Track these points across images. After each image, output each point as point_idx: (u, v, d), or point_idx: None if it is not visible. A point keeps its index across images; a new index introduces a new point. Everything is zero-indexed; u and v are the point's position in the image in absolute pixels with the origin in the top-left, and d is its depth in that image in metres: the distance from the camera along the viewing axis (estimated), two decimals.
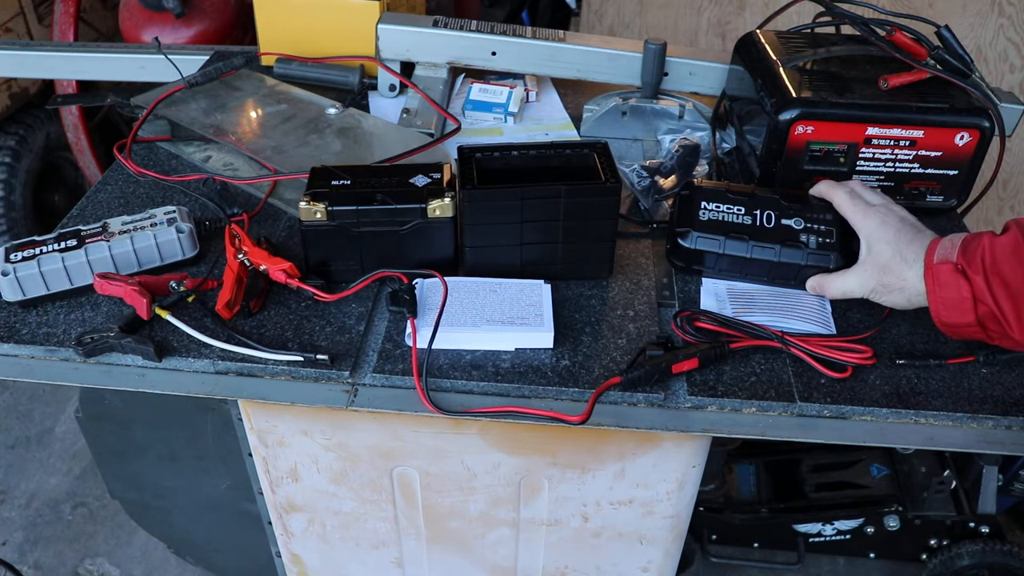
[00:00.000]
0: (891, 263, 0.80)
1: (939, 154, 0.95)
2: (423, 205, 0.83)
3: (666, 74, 1.21)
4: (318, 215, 0.83)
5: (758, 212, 0.89)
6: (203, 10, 2.05)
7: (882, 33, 1.02)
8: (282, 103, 1.15)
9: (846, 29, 1.08)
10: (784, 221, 0.88)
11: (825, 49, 1.04)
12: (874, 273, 0.81)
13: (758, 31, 1.12)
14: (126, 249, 0.86)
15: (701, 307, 0.87)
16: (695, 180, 0.93)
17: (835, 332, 0.85)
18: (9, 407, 2.12)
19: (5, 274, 0.82)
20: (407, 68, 1.27)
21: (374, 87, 1.27)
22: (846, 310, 0.88)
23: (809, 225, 0.88)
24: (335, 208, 0.83)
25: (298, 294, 0.86)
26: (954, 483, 1.53)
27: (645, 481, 0.88)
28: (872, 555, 1.69)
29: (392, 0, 1.28)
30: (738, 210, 0.89)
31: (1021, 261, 0.71)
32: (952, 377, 0.80)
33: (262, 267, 0.85)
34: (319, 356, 0.78)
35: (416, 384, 0.77)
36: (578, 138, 1.20)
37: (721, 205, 0.89)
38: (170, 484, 1.08)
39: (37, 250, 0.84)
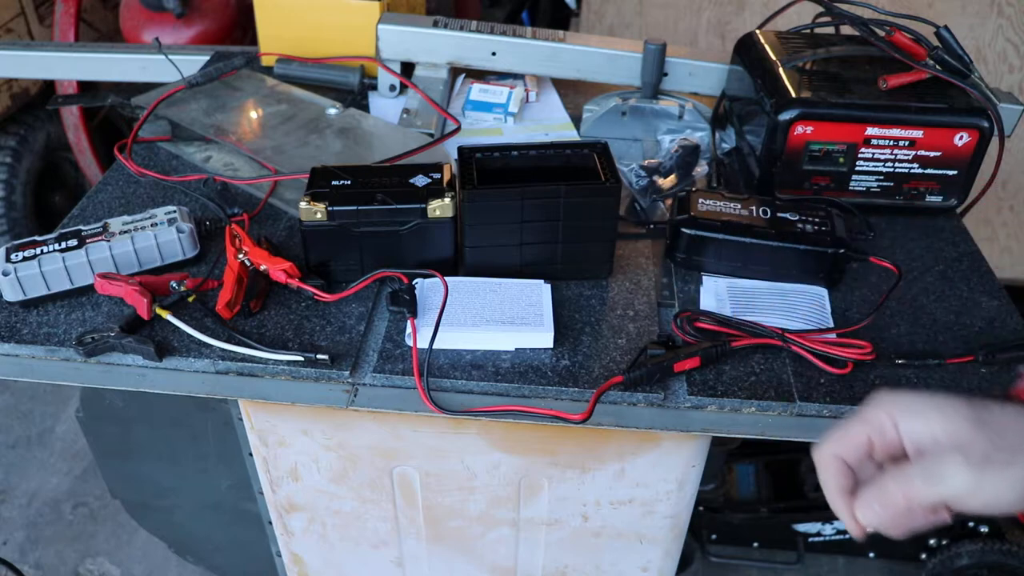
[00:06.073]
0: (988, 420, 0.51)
1: (938, 154, 0.96)
2: (423, 205, 0.84)
3: (666, 74, 1.21)
4: (318, 215, 0.83)
5: (754, 207, 0.91)
6: (203, 10, 2.06)
7: (881, 33, 1.02)
8: (282, 103, 1.15)
9: (846, 29, 1.08)
10: (780, 214, 0.90)
11: (825, 49, 1.04)
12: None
13: (758, 31, 1.12)
14: (127, 249, 0.86)
15: (701, 307, 0.87)
16: (692, 189, 0.95)
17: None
18: (9, 407, 2.12)
19: (6, 274, 0.82)
20: (407, 68, 1.27)
21: (374, 87, 1.27)
22: (845, 310, 0.88)
23: (804, 216, 0.90)
24: (335, 208, 0.83)
25: (298, 294, 0.86)
26: None
27: (645, 481, 0.89)
28: (871, 555, 1.69)
29: (392, 0, 1.28)
30: (735, 206, 0.91)
31: None
32: (951, 377, 0.81)
33: (262, 267, 0.85)
34: (319, 356, 0.78)
35: (417, 384, 0.77)
36: (578, 138, 1.20)
37: (719, 201, 0.91)
38: (171, 484, 1.08)
39: (38, 250, 0.84)
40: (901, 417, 0.53)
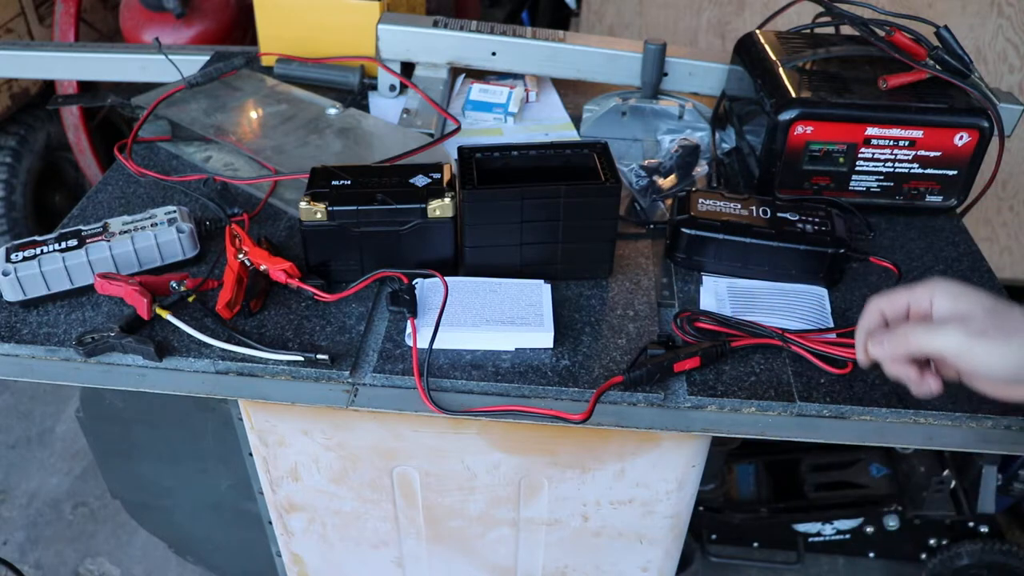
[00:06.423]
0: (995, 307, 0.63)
1: (938, 154, 0.96)
2: (423, 205, 0.84)
3: (666, 74, 1.21)
4: (318, 215, 0.83)
5: (754, 208, 0.91)
6: (203, 10, 2.06)
7: (881, 33, 1.02)
8: (282, 103, 1.15)
9: (846, 29, 1.08)
10: (780, 214, 0.90)
11: (825, 49, 1.04)
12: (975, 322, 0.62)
13: (758, 31, 1.12)
14: (127, 249, 0.86)
15: (701, 307, 0.87)
16: (692, 189, 0.95)
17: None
18: (9, 407, 2.12)
19: (6, 274, 0.82)
20: (407, 68, 1.27)
21: (374, 87, 1.27)
22: (845, 310, 0.88)
23: (804, 216, 0.90)
24: (335, 208, 0.83)
25: (298, 294, 0.86)
26: (953, 483, 1.54)
27: (645, 481, 0.89)
28: (872, 555, 1.69)
29: (392, 0, 1.28)
30: (735, 206, 0.91)
31: None
32: None
33: (262, 267, 0.85)
34: (319, 356, 0.78)
35: (417, 384, 0.77)
36: (578, 138, 1.20)
37: (719, 201, 0.91)
38: (170, 484, 1.08)
39: (38, 250, 0.84)
40: (937, 295, 0.65)
